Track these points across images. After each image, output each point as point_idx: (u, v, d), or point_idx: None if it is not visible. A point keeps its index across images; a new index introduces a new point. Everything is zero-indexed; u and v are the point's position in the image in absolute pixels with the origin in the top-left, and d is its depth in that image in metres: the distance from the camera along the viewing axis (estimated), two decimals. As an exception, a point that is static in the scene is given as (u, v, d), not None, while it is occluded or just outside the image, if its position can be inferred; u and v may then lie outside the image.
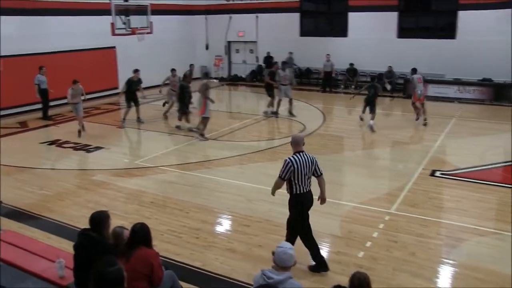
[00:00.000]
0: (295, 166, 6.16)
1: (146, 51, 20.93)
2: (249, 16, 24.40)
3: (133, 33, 16.62)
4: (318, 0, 24.20)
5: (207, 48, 26.30)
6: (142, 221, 5.23)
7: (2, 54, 16.26)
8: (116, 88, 20.00)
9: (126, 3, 16.75)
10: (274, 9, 23.66)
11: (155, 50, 21.77)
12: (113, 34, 16.16)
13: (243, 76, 25.33)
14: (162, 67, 21.77)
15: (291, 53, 22.64)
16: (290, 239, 6.36)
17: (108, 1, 16.05)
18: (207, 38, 26.26)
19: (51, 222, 8.17)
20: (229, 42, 25.75)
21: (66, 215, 8.37)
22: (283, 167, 6.23)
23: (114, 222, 5.30)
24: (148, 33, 17.33)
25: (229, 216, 8.37)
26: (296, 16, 23.31)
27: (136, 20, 16.89)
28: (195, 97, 14.21)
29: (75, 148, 12.76)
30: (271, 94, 16.40)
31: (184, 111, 14.37)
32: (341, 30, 22.37)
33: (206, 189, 9.66)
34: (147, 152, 12.32)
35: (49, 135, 14.37)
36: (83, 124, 14.13)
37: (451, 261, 6.75)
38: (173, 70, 16.30)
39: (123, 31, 16.44)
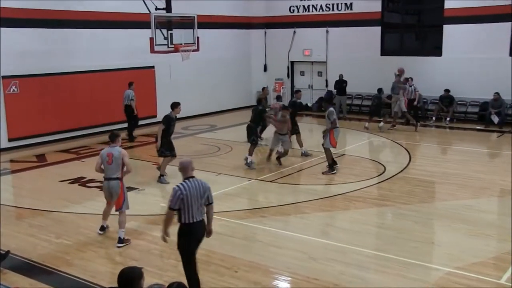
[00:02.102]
0: (184, 193, 6.86)
1: (191, 72, 21.41)
2: (318, 30, 24.68)
3: (176, 50, 17.03)
4: (405, 11, 24.17)
5: (265, 69, 26.70)
6: (180, 280, 5.22)
7: (19, 73, 17.15)
8: (154, 116, 20.55)
9: (168, 14, 17.29)
10: (349, 22, 23.83)
11: (202, 71, 22.26)
12: (152, 51, 16.60)
13: (309, 104, 25.41)
14: (209, 92, 22.34)
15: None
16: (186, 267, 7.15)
17: (147, 12, 16.62)
18: (266, 57, 26.66)
19: (69, 278, 8.27)
20: (292, 63, 26.04)
21: (88, 270, 8.47)
22: (171, 196, 6.93)
23: (147, 281, 5.30)
24: (194, 50, 17.74)
25: (288, 278, 8.23)
26: (376, 31, 23.36)
27: (180, 35, 17.31)
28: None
29: (101, 188, 13.02)
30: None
31: (256, 142, 14.83)
32: (434, 48, 22.14)
33: (260, 243, 9.59)
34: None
35: (71, 171, 14.81)
36: None
37: None
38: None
39: (164, 48, 16.85)
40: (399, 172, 14.21)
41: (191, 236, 7.01)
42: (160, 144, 13.22)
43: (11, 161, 16.08)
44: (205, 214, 7.26)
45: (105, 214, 9.93)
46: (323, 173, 14.13)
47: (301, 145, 16.11)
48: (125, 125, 18.92)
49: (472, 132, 19.82)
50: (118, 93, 19.17)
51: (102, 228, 9.95)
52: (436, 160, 16.03)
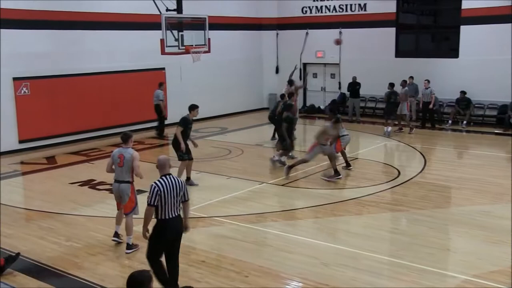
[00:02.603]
0: (162, 190, 7.27)
1: (202, 74, 21.45)
2: (331, 31, 24.62)
3: (187, 51, 17.07)
4: (420, 11, 24.09)
5: (277, 71, 26.70)
6: (190, 284, 5.24)
7: (30, 75, 17.31)
8: (165, 118, 20.61)
9: (179, 15, 17.35)
10: (362, 23, 23.78)
11: (212, 72, 22.30)
12: (163, 52, 16.66)
13: (321, 107, 25.38)
14: (220, 94, 22.39)
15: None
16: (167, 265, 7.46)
17: (157, 13, 16.69)
18: (278, 59, 26.67)
19: (78, 281, 8.32)
20: (304, 65, 26.03)
21: (97, 273, 8.52)
22: (149, 193, 7.28)
23: (156, 285, 5.32)
24: (205, 52, 17.78)
25: (299, 284, 8.22)
26: (390, 32, 23.30)
27: (191, 36, 17.36)
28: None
29: (112, 191, 13.08)
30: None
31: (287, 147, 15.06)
32: (450, 49, 22.05)
33: (271, 248, 9.59)
34: (199, 198, 12.46)
35: (81, 173, 14.90)
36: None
37: None
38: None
39: (175, 49, 16.89)
40: (414, 177, 14.14)
41: (166, 231, 7.38)
42: (184, 147, 13.02)
43: (22, 163, 16.20)
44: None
45: (118, 219, 9.80)
46: (328, 178, 14.04)
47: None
48: (135, 127, 19.14)
49: (489, 135, 19.71)
50: (129, 95, 19.27)
51: (116, 235, 9.73)
52: (452, 165, 15.96)
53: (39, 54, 17.47)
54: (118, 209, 9.79)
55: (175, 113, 21.79)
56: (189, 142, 13.50)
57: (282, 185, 13.49)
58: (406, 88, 20.26)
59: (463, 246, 9.70)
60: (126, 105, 19.83)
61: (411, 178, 13.97)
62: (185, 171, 13.40)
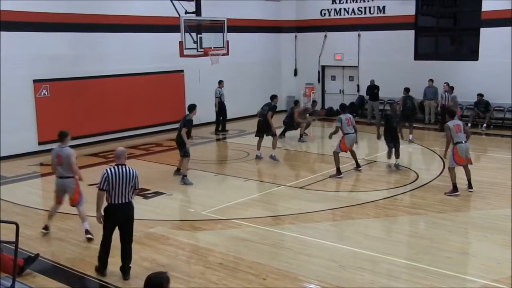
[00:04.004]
0: (110, 176, 8.03)
1: (220, 77, 21.49)
2: (349, 34, 24.59)
3: (205, 54, 17.12)
4: (440, 14, 23.94)
5: (295, 74, 26.72)
6: (207, 286, 5.23)
7: (50, 77, 17.50)
8: (224, 115, 20.84)
9: (197, 18, 17.40)
10: (381, 25, 23.68)
11: (231, 75, 22.35)
12: (182, 55, 16.72)
13: (340, 109, 25.26)
14: (238, 96, 22.43)
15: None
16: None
17: (176, 16, 16.74)
18: (296, 62, 26.65)
19: (97, 282, 8.40)
20: (323, 67, 26.00)
21: (115, 275, 8.55)
22: (100, 178, 8.11)
23: (173, 287, 5.33)
24: (223, 54, 17.82)
25: (317, 287, 8.19)
26: (410, 34, 23.18)
27: (209, 39, 17.40)
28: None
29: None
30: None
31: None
32: (470, 52, 21.88)
33: (289, 251, 9.56)
34: (217, 200, 12.48)
35: (99, 175, 14.85)
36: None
37: None
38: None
39: (194, 52, 16.95)
40: (433, 180, 14.03)
41: (112, 215, 8.20)
42: (189, 146, 13.87)
43: (41, 164, 16.32)
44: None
45: (52, 214, 10.39)
46: (330, 176, 14.29)
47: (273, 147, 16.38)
48: (153, 129, 19.72)
49: (510, 139, 19.49)
50: (148, 97, 19.34)
51: (46, 228, 10.31)
52: (471, 168, 15.78)
53: (59, 56, 17.62)
54: (56, 203, 10.31)
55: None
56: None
57: (300, 188, 13.46)
58: (454, 94, 19.92)
59: (482, 250, 9.60)
60: (145, 107, 19.94)
61: (430, 181, 13.85)
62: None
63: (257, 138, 16.34)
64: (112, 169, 8.12)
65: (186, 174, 13.93)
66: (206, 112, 22.23)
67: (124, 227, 8.33)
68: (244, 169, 15.46)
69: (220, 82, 21.08)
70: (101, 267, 8.50)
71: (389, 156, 15.15)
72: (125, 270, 8.40)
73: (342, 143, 14.43)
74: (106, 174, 8.08)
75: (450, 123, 12.68)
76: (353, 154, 14.88)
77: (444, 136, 13.72)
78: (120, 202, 8.12)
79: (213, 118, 21.58)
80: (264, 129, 16.25)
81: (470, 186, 12.90)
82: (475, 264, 9.08)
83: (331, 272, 8.56)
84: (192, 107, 14.09)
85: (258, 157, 16.39)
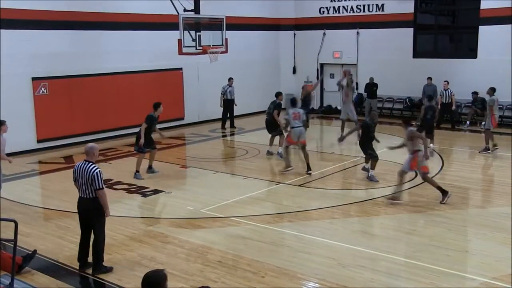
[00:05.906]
0: (75, 170, 8.40)
1: (219, 74, 21.49)
2: (348, 32, 24.59)
3: (204, 52, 17.11)
4: (439, 12, 23.92)
5: (294, 71, 26.68)
6: (206, 284, 5.21)
7: (48, 75, 17.46)
8: (182, 118, 20.72)
9: (196, 15, 17.37)
10: (380, 23, 23.66)
11: (230, 73, 22.31)
12: (180, 52, 16.71)
13: (339, 107, 25.24)
14: (237, 94, 22.39)
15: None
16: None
17: (175, 14, 16.71)
18: (295, 59, 26.63)
19: (95, 280, 8.37)
20: (321, 65, 25.97)
21: (114, 272, 8.54)
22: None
23: (172, 285, 5.30)
24: (222, 52, 17.80)
25: (316, 285, 8.18)
26: (408, 32, 23.17)
27: (208, 37, 17.38)
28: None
29: (129, 191, 13.17)
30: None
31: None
32: (469, 50, 21.85)
33: (288, 248, 9.55)
34: (216, 198, 12.45)
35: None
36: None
37: None
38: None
39: (192, 50, 16.95)
40: (432, 178, 13.98)
41: (77, 207, 8.53)
42: (143, 142, 14.01)
43: (40, 162, 16.30)
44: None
45: None
46: (280, 171, 14.69)
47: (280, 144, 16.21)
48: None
49: (508, 137, 19.45)
50: (146, 95, 19.29)
51: None
52: (470, 166, 15.83)
53: (57, 54, 17.57)
54: None
55: (192, 113, 21.97)
56: (154, 135, 14.63)
57: (299, 186, 13.44)
58: (494, 96, 17.55)
59: (482, 248, 9.58)
60: (144, 105, 19.79)
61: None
62: (144, 160, 14.43)
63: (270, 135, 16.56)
64: (79, 164, 8.41)
65: (139, 170, 14.21)
66: (205, 110, 22.30)
67: (84, 222, 8.57)
68: (243, 167, 15.45)
69: (230, 79, 21.29)
70: (78, 261, 8.76)
71: (367, 161, 14.73)
72: (85, 263, 8.68)
73: (289, 137, 14.64)
74: (74, 168, 8.48)
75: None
76: (305, 155, 14.59)
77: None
78: (81, 196, 8.40)
79: (212, 116, 21.63)
80: (270, 127, 16.27)
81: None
82: (474, 262, 9.07)
83: (330, 270, 8.54)
84: (156, 105, 14.38)
85: (269, 153, 16.53)
